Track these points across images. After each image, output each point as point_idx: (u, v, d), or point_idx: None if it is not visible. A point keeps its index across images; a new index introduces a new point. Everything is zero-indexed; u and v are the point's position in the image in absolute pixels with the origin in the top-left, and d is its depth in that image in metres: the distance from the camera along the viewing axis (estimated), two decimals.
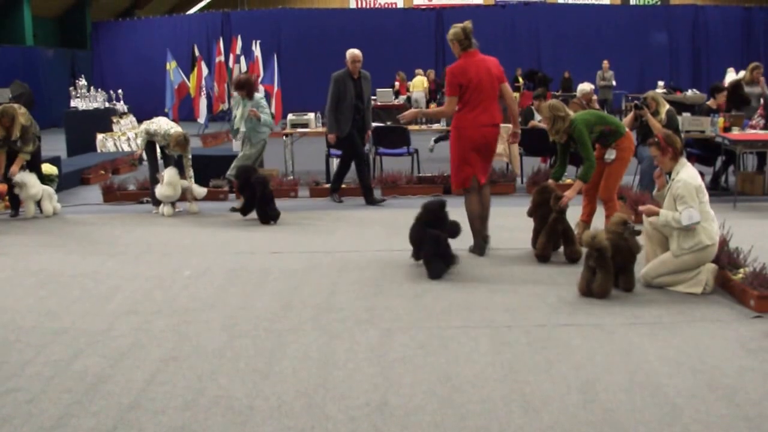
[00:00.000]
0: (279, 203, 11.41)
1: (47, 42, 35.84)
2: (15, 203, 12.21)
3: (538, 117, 14.38)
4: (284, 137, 15.22)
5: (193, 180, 12.10)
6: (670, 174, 7.61)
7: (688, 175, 7.37)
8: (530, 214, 8.89)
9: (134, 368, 5.74)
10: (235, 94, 12.18)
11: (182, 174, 11.92)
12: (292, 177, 13.96)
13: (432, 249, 8.07)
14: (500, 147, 13.56)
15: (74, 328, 6.73)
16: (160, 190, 11.71)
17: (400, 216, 10.94)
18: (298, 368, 5.60)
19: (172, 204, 11.86)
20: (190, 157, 12.06)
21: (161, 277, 8.32)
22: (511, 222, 10.47)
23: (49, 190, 12.15)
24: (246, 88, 11.87)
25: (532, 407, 4.87)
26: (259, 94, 12.13)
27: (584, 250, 7.48)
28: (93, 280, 8.30)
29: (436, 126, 15.57)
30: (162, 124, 12.17)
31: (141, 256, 9.32)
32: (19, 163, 11.81)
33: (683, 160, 7.57)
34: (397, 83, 27.37)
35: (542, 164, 14.19)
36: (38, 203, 12.04)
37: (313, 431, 4.66)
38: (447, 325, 6.49)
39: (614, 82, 27.42)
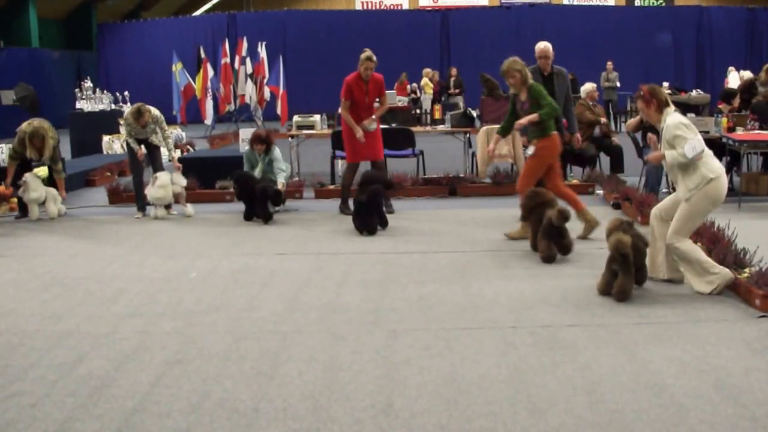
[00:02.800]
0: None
1: (53, 43, 35.94)
2: (23, 205, 12.25)
3: None
4: (289, 138, 15.23)
5: (174, 153, 12.21)
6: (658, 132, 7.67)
7: (672, 119, 7.39)
8: (524, 219, 9.02)
9: (139, 371, 5.74)
10: (247, 148, 12.13)
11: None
12: (297, 178, 13.95)
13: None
14: (505, 148, 13.54)
15: (78, 331, 6.73)
16: (152, 193, 11.68)
17: (405, 218, 10.94)
18: (303, 370, 5.60)
19: (166, 207, 11.84)
20: (167, 130, 12.08)
21: (166, 280, 8.32)
22: (515, 223, 10.46)
23: (54, 192, 12.17)
24: (266, 143, 11.80)
25: (537, 408, 4.86)
26: (278, 150, 12.02)
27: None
28: (97, 282, 8.30)
29: (440, 127, 15.56)
30: (125, 113, 12.22)
31: (146, 258, 9.32)
32: (62, 187, 12.24)
33: (669, 110, 7.53)
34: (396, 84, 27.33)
35: None
36: (43, 205, 12.08)
37: None
38: (452, 327, 6.48)
39: (618, 83, 27.36)
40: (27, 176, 11.82)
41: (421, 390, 5.19)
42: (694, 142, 7.16)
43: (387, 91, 21.82)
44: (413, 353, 5.88)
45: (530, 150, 9.64)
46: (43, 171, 12.54)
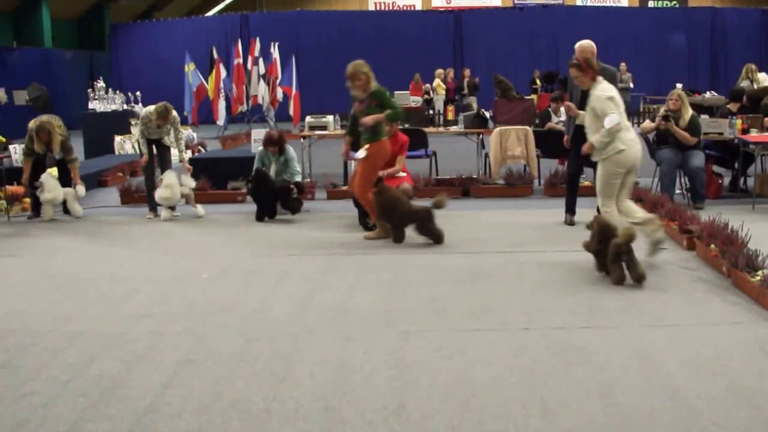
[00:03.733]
0: None
1: (66, 44, 36.04)
2: (36, 205, 12.29)
3: (555, 119, 14.34)
4: (302, 139, 15.22)
5: (185, 155, 12.24)
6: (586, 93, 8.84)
7: (600, 89, 8.58)
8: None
9: (150, 372, 5.74)
10: (260, 148, 12.12)
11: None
12: (309, 179, 13.95)
13: None
14: (518, 149, 13.53)
15: (90, 331, 6.73)
16: (158, 193, 11.71)
17: None
18: (315, 372, 5.59)
19: (171, 208, 11.85)
20: (181, 131, 12.12)
21: (178, 280, 8.33)
22: (528, 224, 10.45)
23: (72, 191, 12.21)
24: (279, 144, 11.80)
25: (550, 411, 4.85)
26: (292, 150, 12.03)
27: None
28: (109, 282, 8.32)
29: (453, 128, 15.54)
30: (142, 112, 12.24)
31: (158, 259, 9.34)
32: (76, 173, 12.19)
33: (600, 79, 8.71)
34: (411, 84, 27.32)
35: (559, 166, 14.13)
36: (64, 205, 12.14)
37: None
38: (464, 328, 6.47)
39: (632, 84, 27.30)
40: (44, 177, 11.87)
41: (432, 391, 5.18)
42: (613, 117, 8.34)
43: (400, 92, 21.85)
44: (425, 355, 5.88)
45: (361, 153, 9.89)
46: (55, 171, 12.60)
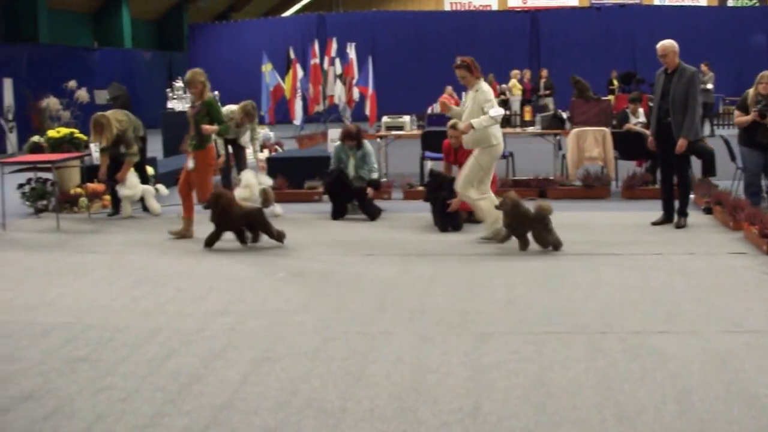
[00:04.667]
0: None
1: (145, 44, 36.60)
2: (115, 202, 12.51)
3: (633, 120, 14.16)
4: (378, 139, 15.24)
5: (259, 154, 12.38)
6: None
7: (485, 86, 9.95)
8: (212, 219, 9.89)
9: (227, 368, 5.81)
10: (338, 143, 12.15)
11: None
12: (385, 179, 13.95)
13: None
14: (596, 150, 13.40)
15: (168, 327, 6.83)
16: (237, 192, 11.80)
17: None
18: (391, 372, 5.61)
19: None
20: (258, 130, 12.20)
21: (255, 278, 8.41)
22: (605, 226, 10.35)
23: (151, 189, 12.42)
24: (356, 138, 11.82)
25: (626, 416, 4.79)
26: (370, 146, 12.05)
27: None
28: (186, 279, 8.43)
29: (530, 129, 15.44)
30: (232, 109, 12.35)
31: (235, 257, 9.44)
32: (127, 168, 12.17)
33: (481, 79, 10.05)
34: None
35: (637, 168, 13.96)
36: (142, 203, 12.34)
37: None
38: (540, 331, 6.43)
39: (710, 86, 26.77)
40: (126, 174, 12.08)
41: (508, 394, 5.16)
42: (498, 108, 9.69)
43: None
44: (501, 357, 5.85)
45: (190, 163, 10.44)
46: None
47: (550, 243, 9.25)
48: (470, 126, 9.55)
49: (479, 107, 9.68)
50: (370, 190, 11.48)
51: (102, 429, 4.88)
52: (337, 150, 12.05)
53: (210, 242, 9.88)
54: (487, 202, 9.86)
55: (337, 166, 11.72)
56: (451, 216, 10.57)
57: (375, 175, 11.70)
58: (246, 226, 9.89)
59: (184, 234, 10.52)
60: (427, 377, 5.49)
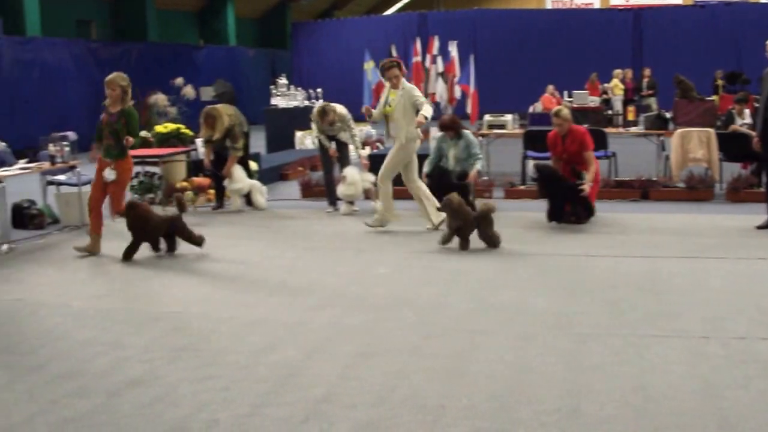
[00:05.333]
0: None
1: (249, 42, 37.16)
2: (220, 196, 12.73)
3: (739, 121, 13.84)
4: (480, 138, 15.16)
5: (361, 151, 12.57)
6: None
7: (410, 85, 10.71)
8: (129, 228, 9.52)
9: (328, 362, 5.88)
10: (439, 135, 12.12)
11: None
12: (487, 178, 13.88)
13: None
14: (700, 152, 13.15)
15: (270, 319, 6.95)
16: (341, 189, 11.88)
17: (596, 220, 10.74)
18: (490, 370, 5.61)
19: (351, 203, 12.00)
20: (353, 128, 12.32)
21: (356, 273, 8.49)
22: (709, 229, 10.16)
23: (257, 184, 12.63)
24: (453, 128, 11.76)
25: (728, 423, 4.72)
26: (471, 135, 11.96)
27: None
28: (289, 273, 8.56)
29: (633, 129, 15.23)
30: (313, 111, 12.57)
31: (337, 252, 9.53)
32: (232, 163, 12.36)
33: (404, 80, 10.63)
34: (587, 84, 26.86)
35: (742, 170, 13.64)
36: (247, 197, 12.52)
37: None
38: (642, 334, 6.35)
39: None
40: (233, 169, 12.29)
41: (608, 396, 5.11)
42: (429, 105, 10.50)
43: (578, 92, 21.54)
44: (602, 359, 5.81)
45: (111, 175, 9.78)
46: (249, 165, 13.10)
47: (495, 241, 9.46)
48: (425, 118, 10.25)
49: (411, 105, 10.45)
50: (472, 176, 11.36)
51: (204, 416, 5.01)
52: (438, 141, 11.98)
53: (128, 255, 9.46)
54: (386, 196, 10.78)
55: (437, 164, 11.66)
56: (581, 204, 10.70)
57: (479, 165, 11.52)
58: (165, 234, 9.62)
59: (91, 250, 9.84)
60: (526, 377, 5.48)
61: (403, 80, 10.70)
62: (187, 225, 9.71)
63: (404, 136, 10.53)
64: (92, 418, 5.08)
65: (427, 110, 10.36)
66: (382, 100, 10.86)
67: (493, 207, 9.52)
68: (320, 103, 12.36)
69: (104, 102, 9.95)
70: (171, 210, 10.08)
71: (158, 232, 9.54)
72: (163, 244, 9.63)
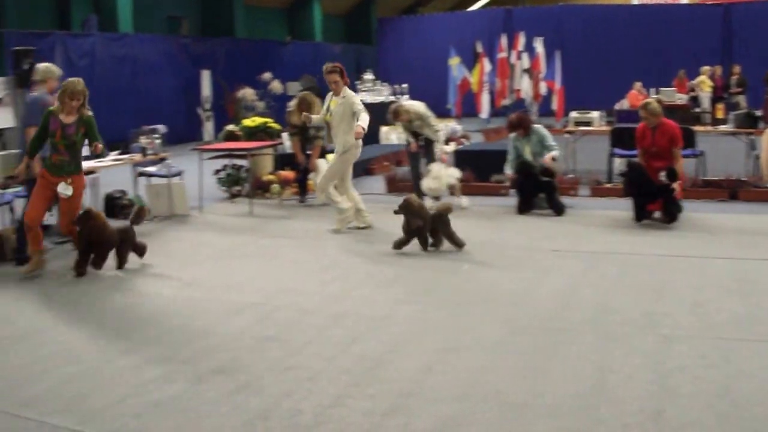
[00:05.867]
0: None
1: (334, 38, 37.39)
2: (303, 189, 12.88)
3: None
4: (566, 135, 15.08)
5: (441, 146, 12.46)
6: None
7: (353, 94, 10.72)
8: (77, 243, 8.89)
9: (411, 355, 5.93)
10: (511, 135, 12.08)
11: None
12: (572, 175, 13.79)
13: None
14: None
15: (355, 312, 7.04)
16: (426, 184, 11.90)
17: (683, 220, 10.59)
18: (573, 369, 5.60)
19: (436, 198, 12.01)
20: (433, 125, 12.22)
21: (440, 269, 8.53)
22: None
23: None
24: (521, 125, 11.74)
25: None
26: (542, 128, 11.92)
27: None
28: (375, 267, 8.65)
29: (722, 127, 14.98)
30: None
31: (420, 249, 9.50)
32: (316, 153, 12.57)
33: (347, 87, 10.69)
34: (674, 81, 26.48)
35: None
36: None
37: None
38: (729, 337, 6.25)
39: None
40: (319, 161, 12.43)
41: (693, 400, 5.05)
42: (366, 114, 10.27)
43: (665, 89, 21.25)
44: (687, 361, 5.74)
45: (68, 190, 8.70)
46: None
47: (454, 244, 9.34)
48: (362, 128, 10.15)
49: (351, 112, 10.45)
50: (548, 159, 11.31)
51: (288, 406, 5.10)
52: (512, 141, 11.98)
53: (80, 268, 8.77)
54: (338, 197, 10.79)
55: (523, 159, 11.64)
56: (671, 203, 10.46)
57: (555, 153, 11.50)
58: (117, 245, 8.96)
59: (37, 267, 8.86)
60: (609, 377, 5.45)
61: (345, 88, 10.69)
62: (136, 236, 9.20)
63: (342, 145, 10.56)
64: (179, 403, 5.24)
65: (364, 119, 10.23)
66: (326, 105, 10.81)
67: (450, 207, 9.45)
68: (393, 103, 12.36)
69: (52, 110, 8.77)
70: (122, 223, 9.26)
71: (112, 244, 8.87)
72: (112, 259, 9.02)
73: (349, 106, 10.47)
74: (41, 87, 9.80)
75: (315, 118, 11.00)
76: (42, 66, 10.05)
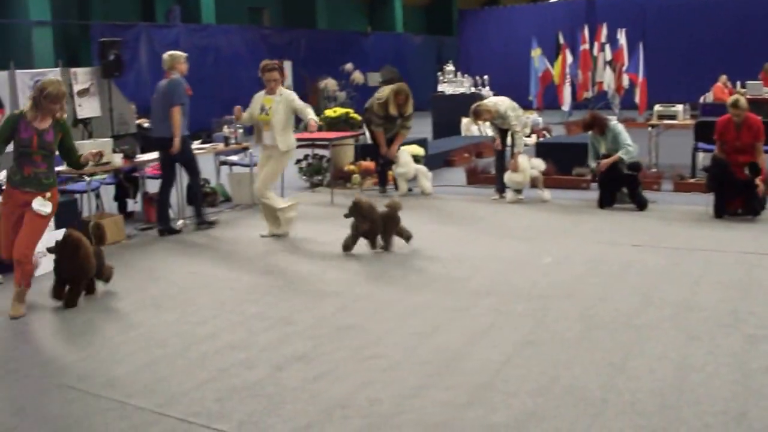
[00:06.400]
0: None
1: (415, 29, 37.49)
2: (383, 180, 12.94)
3: None
4: (649, 128, 14.88)
5: (517, 140, 12.25)
6: None
7: (289, 91, 10.41)
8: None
9: (491, 348, 5.91)
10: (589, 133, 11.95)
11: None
12: (655, 170, 13.60)
13: None
14: None
15: (434, 304, 7.05)
16: (509, 176, 11.84)
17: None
18: (654, 367, 5.53)
19: (518, 191, 11.95)
20: (509, 117, 12.02)
21: (521, 262, 8.49)
22: None
23: (423, 169, 12.81)
24: (594, 124, 11.60)
25: None
26: (618, 126, 11.74)
27: None
28: (453, 259, 8.63)
29: None
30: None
31: (501, 240, 9.56)
32: (399, 141, 12.68)
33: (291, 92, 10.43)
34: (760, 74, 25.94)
35: None
36: (414, 181, 12.72)
37: None
38: None
39: None
40: (400, 152, 12.48)
41: None
42: (310, 107, 10.25)
43: (751, 82, 20.85)
44: None
45: (46, 206, 7.36)
46: (416, 150, 13.25)
47: (404, 238, 9.28)
48: (315, 122, 10.07)
49: (291, 111, 10.19)
50: (604, 164, 11.19)
51: (367, 395, 5.14)
52: (590, 138, 11.86)
53: (57, 294, 7.54)
54: (280, 200, 10.44)
55: (602, 153, 11.53)
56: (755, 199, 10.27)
57: (622, 153, 11.32)
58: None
59: (19, 303, 7.41)
60: (691, 376, 5.36)
61: (281, 86, 10.36)
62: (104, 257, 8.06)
63: (283, 145, 10.11)
64: (258, 389, 5.32)
65: (312, 112, 10.11)
66: (257, 105, 10.35)
67: (399, 205, 9.31)
68: (474, 104, 12.27)
69: (22, 114, 7.41)
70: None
71: (90, 264, 7.61)
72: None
73: (287, 103, 10.16)
74: (172, 73, 10.44)
75: (243, 117, 10.51)
76: (166, 55, 10.66)
